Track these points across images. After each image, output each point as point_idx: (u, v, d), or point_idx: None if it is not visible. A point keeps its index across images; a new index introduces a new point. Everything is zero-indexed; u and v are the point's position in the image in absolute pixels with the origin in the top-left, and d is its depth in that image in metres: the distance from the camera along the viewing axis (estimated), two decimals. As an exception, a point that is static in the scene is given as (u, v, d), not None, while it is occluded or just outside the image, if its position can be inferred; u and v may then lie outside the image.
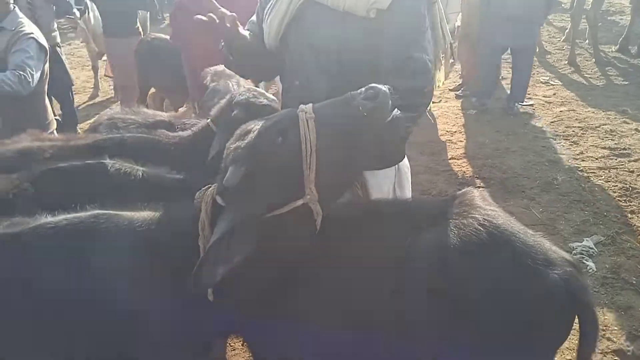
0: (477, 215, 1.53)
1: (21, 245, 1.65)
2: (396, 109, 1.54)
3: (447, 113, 6.42)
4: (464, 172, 4.96)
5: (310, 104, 1.57)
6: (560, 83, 7.35)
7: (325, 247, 1.61)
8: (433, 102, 6.74)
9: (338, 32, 2.00)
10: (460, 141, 5.64)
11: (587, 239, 3.72)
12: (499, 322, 1.45)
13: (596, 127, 5.70)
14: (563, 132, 5.65)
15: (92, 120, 4.67)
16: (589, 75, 7.53)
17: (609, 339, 2.84)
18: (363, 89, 1.56)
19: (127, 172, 2.08)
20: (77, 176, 2.09)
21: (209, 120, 2.55)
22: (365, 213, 1.71)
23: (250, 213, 1.47)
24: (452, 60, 2.38)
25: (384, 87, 1.53)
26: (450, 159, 5.27)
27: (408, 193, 2.36)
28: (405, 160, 2.33)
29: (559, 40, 9.34)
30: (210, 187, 1.63)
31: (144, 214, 1.73)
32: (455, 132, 5.89)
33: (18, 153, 2.54)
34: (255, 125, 1.56)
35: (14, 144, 2.66)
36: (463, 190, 1.74)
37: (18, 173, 2.21)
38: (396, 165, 2.26)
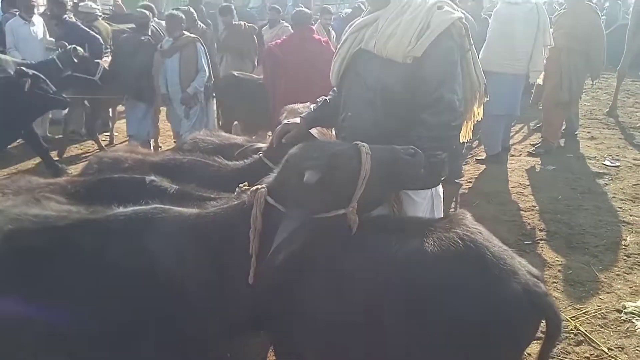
0: (458, 230, 1.76)
1: (101, 227, 2.11)
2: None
3: (524, 167, 6.40)
4: (529, 223, 4.95)
5: (367, 145, 2.03)
6: (656, 148, 7.04)
7: (330, 249, 1.92)
8: (511, 155, 6.79)
9: (382, 75, 2.42)
10: (532, 194, 5.62)
11: (643, 300, 3.61)
12: (467, 321, 1.65)
13: (683, 193, 5.43)
14: (645, 195, 5.44)
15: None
16: (690, 142, 7.15)
17: (640, 397, 2.77)
18: (405, 147, 2.08)
19: (161, 186, 2.50)
20: (122, 186, 2.56)
21: (261, 154, 2.92)
22: (369, 225, 1.99)
23: (308, 213, 1.89)
24: (487, 99, 2.63)
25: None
26: (518, 210, 5.28)
27: (441, 215, 2.65)
28: (440, 187, 2.65)
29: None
30: (259, 188, 2.00)
31: (195, 210, 2.13)
32: (529, 185, 5.87)
33: (111, 159, 3.13)
34: (325, 148, 2.04)
35: (113, 152, 3.27)
36: (456, 211, 1.95)
37: (83, 179, 2.77)
38: (433, 190, 2.58)
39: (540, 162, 6.56)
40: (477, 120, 2.75)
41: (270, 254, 1.85)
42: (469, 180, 6.08)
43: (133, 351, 2.10)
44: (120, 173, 2.85)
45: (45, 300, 2.04)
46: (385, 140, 2.26)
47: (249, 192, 2.01)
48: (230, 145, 3.48)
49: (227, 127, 6.68)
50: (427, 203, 2.58)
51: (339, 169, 1.92)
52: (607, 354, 3.14)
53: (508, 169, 6.33)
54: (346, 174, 1.93)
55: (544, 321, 1.84)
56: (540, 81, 6.48)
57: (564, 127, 7.34)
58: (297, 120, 2.80)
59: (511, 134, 7.39)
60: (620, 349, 3.18)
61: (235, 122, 6.60)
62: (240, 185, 2.26)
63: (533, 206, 5.34)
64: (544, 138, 6.97)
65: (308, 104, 4.26)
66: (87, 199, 2.45)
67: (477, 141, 7.46)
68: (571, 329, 3.38)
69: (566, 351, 3.21)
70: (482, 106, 2.62)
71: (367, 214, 2.25)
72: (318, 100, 2.92)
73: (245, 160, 2.93)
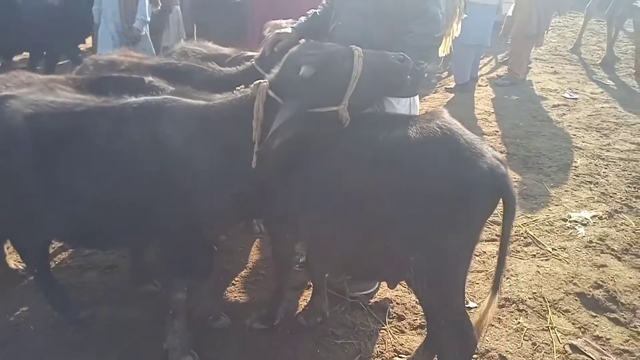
0: (437, 121, 2.06)
1: (114, 114, 2.30)
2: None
3: (489, 96, 6.75)
4: (491, 146, 5.31)
5: (361, 48, 2.22)
6: (613, 84, 7.47)
7: (324, 136, 2.19)
8: (479, 86, 7.11)
9: None
10: (496, 121, 6.00)
11: (586, 211, 4.07)
12: (441, 195, 1.97)
13: (632, 124, 5.89)
14: (597, 125, 5.88)
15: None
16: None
17: (575, 285, 3.25)
18: (395, 53, 2.28)
19: (158, 87, 2.65)
20: (122, 84, 2.67)
21: (253, 62, 3.09)
22: (360, 117, 2.25)
23: (304, 106, 2.11)
24: (466, 15, 2.87)
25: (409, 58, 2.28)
26: (481, 134, 5.64)
27: None
28: (417, 97, 2.94)
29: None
30: (262, 82, 2.21)
31: (201, 101, 2.34)
32: (493, 113, 6.23)
33: (107, 62, 3.26)
34: (323, 47, 2.23)
35: (107, 55, 3.38)
36: (436, 108, 2.24)
37: (84, 76, 2.91)
38: (411, 99, 2.88)
39: (505, 93, 6.91)
40: (455, 37, 3.01)
41: (267, 139, 2.11)
42: (437, 107, 6.40)
43: (143, 226, 2.37)
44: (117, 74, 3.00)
45: (65, 178, 2.27)
46: (373, 49, 2.49)
47: (252, 86, 2.24)
48: (218, 55, 3.62)
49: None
50: (405, 111, 2.89)
51: (332, 67, 2.15)
52: (550, 252, 3.60)
53: (475, 98, 6.67)
54: (339, 73, 2.15)
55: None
56: (510, 12, 6.71)
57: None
58: (289, 30, 2.99)
59: (480, 65, 7.68)
60: (562, 249, 3.65)
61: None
62: (237, 88, 2.48)
63: (496, 131, 5.73)
64: (510, 69, 7.29)
65: (291, 20, 4.42)
66: (90, 94, 2.62)
67: (446, 72, 7.75)
68: (522, 233, 3.82)
69: (516, 250, 3.65)
70: (460, 22, 2.87)
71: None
72: (308, 13, 3.10)
73: (238, 67, 3.10)
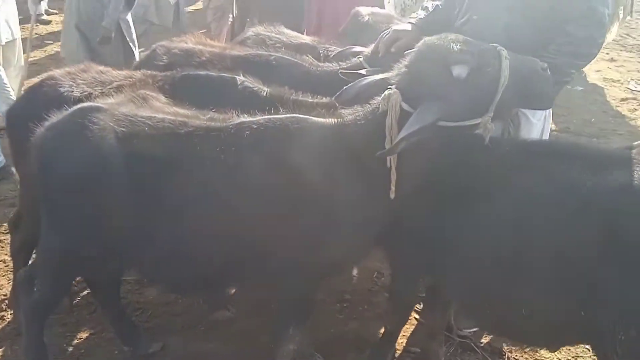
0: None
1: (229, 139, 1.83)
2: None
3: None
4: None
5: (505, 50, 1.80)
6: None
7: (501, 171, 1.78)
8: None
9: None
10: (565, 116, 5.55)
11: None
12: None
13: None
14: (677, 122, 5.45)
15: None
16: None
17: None
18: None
19: (253, 90, 2.23)
20: (211, 84, 2.28)
21: (361, 59, 2.61)
22: (545, 149, 1.82)
23: (444, 115, 1.70)
24: (630, 17, 2.39)
25: None
26: (553, 131, 5.20)
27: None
28: (551, 111, 2.56)
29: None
30: (391, 94, 1.76)
31: (331, 120, 1.89)
32: (561, 106, 5.76)
33: (182, 51, 2.77)
34: (470, 43, 1.80)
35: (181, 43, 2.89)
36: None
37: (164, 74, 2.43)
38: (547, 112, 2.50)
39: (569, 85, 6.43)
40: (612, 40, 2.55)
41: (392, 145, 1.69)
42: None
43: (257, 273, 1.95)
44: (195, 67, 2.54)
45: (168, 216, 1.83)
46: (514, 50, 2.03)
47: (381, 98, 1.79)
48: (299, 45, 3.14)
49: (241, 27, 6.06)
50: (540, 125, 2.49)
51: (485, 69, 1.75)
52: None
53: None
54: (491, 76, 1.75)
55: None
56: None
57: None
58: (408, 27, 2.51)
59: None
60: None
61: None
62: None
63: (567, 127, 5.31)
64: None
65: (376, 8, 3.81)
66: (177, 98, 2.16)
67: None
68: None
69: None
70: (623, 24, 2.40)
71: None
72: (427, 5, 2.62)
73: (341, 63, 2.63)
